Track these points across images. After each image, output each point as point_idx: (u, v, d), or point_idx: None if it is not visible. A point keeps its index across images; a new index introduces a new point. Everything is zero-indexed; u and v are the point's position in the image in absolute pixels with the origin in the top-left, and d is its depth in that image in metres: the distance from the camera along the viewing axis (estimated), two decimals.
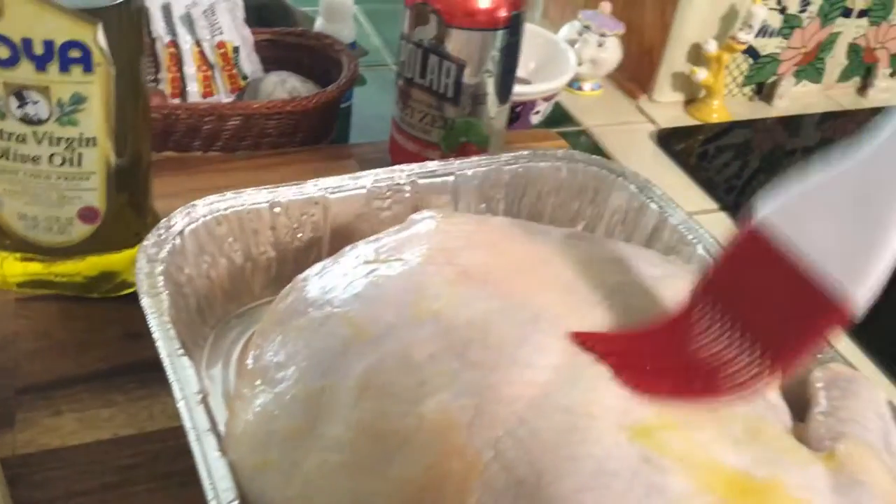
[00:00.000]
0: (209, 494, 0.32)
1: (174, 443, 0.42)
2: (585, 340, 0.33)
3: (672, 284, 0.38)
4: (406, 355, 0.33)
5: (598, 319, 0.35)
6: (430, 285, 0.36)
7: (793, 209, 0.32)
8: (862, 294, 0.30)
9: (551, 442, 0.30)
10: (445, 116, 0.58)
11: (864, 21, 0.86)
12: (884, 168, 0.30)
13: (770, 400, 0.35)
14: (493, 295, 0.35)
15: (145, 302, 0.40)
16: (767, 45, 0.83)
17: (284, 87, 0.67)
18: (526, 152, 0.55)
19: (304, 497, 0.32)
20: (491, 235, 0.40)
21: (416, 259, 0.37)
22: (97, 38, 0.40)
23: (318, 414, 0.32)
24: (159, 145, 0.63)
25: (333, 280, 0.37)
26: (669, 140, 0.79)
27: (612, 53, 0.81)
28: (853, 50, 0.88)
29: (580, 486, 0.29)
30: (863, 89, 0.91)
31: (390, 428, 0.31)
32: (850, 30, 0.86)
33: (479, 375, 0.32)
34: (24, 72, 0.40)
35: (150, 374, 0.44)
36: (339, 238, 0.49)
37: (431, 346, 0.33)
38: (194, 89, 0.68)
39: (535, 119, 0.76)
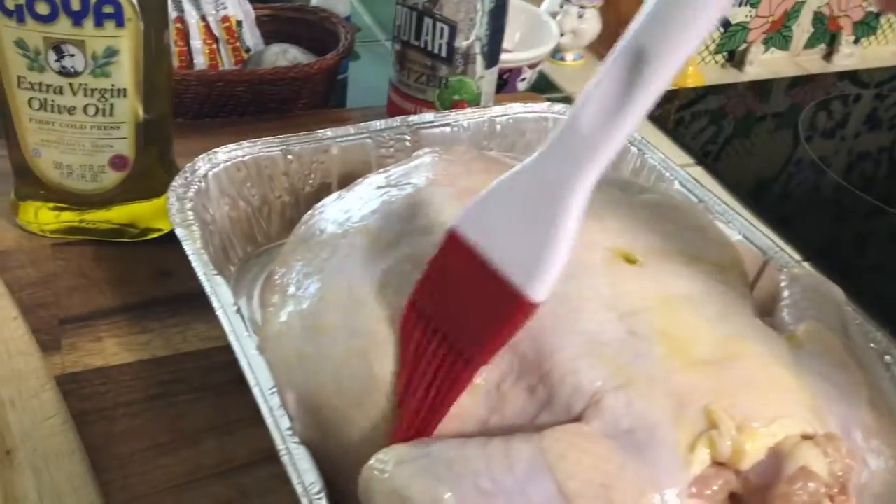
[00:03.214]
0: (252, 383, 0.36)
1: (207, 362, 0.46)
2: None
3: (651, 200, 0.43)
4: (418, 257, 0.37)
5: (588, 226, 0.39)
6: (436, 202, 0.40)
7: (479, 214, 0.33)
8: (539, 290, 0.31)
9: (550, 323, 0.35)
10: (439, 76, 0.62)
11: None
12: (550, 170, 0.31)
13: (740, 293, 0.40)
14: None
15: (180, 232, 0.44)
16: (737, 14, 0.88)
17: (286, 57, 0.71)
18: (516, 105, 0.59)
19: (335, 381, 0.36)
20: (487, 163, 0.45)
21: (422, 182, 0.42)
22: None
23: (345, 311, 0.37)
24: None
25: (349, 203, 0.42)
26: None
27: (591, 24, 0.86)
28: (818, 18, 0.93)
29: (576, 354, 0.34)
30: (828, 56, 0.96)
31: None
32: None
33: None
34: (62, 27, 0.44)
35: (182, 304, 0.49)
36: (346, 183, 0.53)
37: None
38: (201, 62, 0.73)
39: (521, 86, 0.81)
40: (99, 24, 0.45)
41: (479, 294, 0.32)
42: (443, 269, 0.34)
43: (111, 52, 0.46)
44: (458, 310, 0.33)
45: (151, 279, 0.51)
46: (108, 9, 0.44)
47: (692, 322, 0.35)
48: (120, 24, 0.45)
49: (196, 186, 0.48)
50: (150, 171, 0.51)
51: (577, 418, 0.33)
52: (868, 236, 0.71)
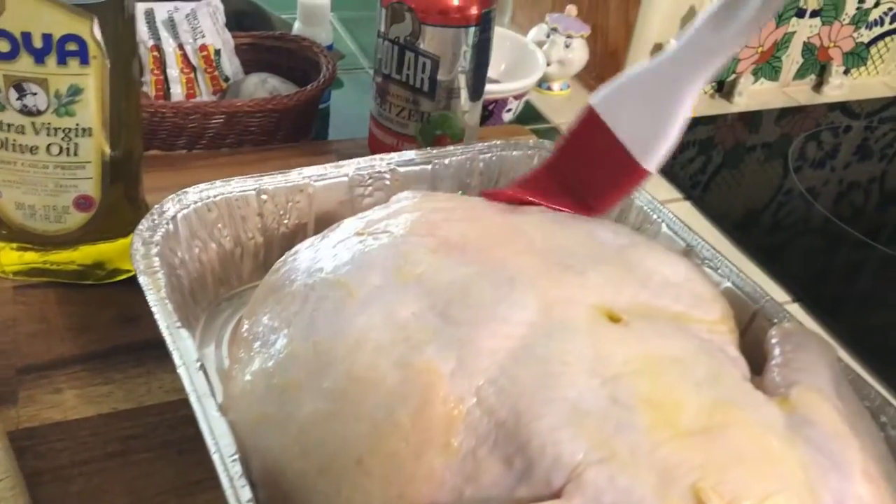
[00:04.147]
0: (212, 449, 0.34)
1: (171, 415, 0.44)
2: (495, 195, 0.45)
3: (636, 251, 0.41)
4: (392, 313, 0.35)
5: (569, 281, 0.38)
6: (413, 253, 0.38)
7: (614, 97, 0.42)
8: (653, 164, 0.42)
9: (529, 387, 0.33)
10: (421, 110, 0.61)
11: (817, 21, 0.90)
12: (677, 68, 0.40)
13: (730, 353, 0.38)
14: (471, 261, 0.38)
15: (143, 280, 0.42)
16: None
17: (265, 87, 0.69)
18: (499, 142, 0.58)
19: (299, 443, 0.34)
20: (468, 211, 0.43)
21: (400, 231, 0.40)
22: (93, 32, 0.42)
23: (311, 368, 0.35)
24: (145, 144, 0.65)
25: (323, 251, 0.40)
26: None
27: (578, 54, 0.85)
28: (808, 49, 0.92)
29: (556, 424, 0.32)
30: (818, 86, 0.95)
31: (378, 377, 0.34)
32: (804, 29, 0.90)
33: (460, 331, 0.35)
34: (24, 64, 0.42)
35: (146, 353, 0.47)
36: (323, 224, 0.51)
37: (414, 305, 0.36)
38: (178, 91, 0.71)
39: (507, 117, 0.79)
40: (62, 62, 0.43)
41: (605, 160, 0.42)
42: (578, 138, 0.44)
43: (75, 91, 0.44)
44: (586, 171, 0.44)
45: (116, 325, 0.48)
46: (71, 46, 0.42)
47: (679, 386, 0.34)
48: (84, 62, 0.43)
49: (164, 229, 0.46)
50: (116, 210, 0.49)
51: (557, 493, 0.31)
52: (855, 270, 0.70)
